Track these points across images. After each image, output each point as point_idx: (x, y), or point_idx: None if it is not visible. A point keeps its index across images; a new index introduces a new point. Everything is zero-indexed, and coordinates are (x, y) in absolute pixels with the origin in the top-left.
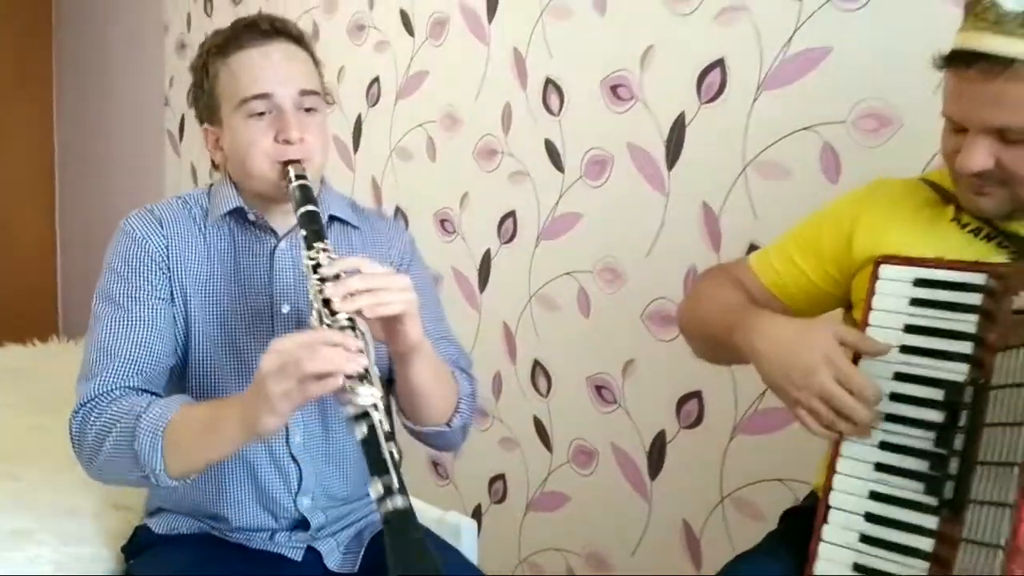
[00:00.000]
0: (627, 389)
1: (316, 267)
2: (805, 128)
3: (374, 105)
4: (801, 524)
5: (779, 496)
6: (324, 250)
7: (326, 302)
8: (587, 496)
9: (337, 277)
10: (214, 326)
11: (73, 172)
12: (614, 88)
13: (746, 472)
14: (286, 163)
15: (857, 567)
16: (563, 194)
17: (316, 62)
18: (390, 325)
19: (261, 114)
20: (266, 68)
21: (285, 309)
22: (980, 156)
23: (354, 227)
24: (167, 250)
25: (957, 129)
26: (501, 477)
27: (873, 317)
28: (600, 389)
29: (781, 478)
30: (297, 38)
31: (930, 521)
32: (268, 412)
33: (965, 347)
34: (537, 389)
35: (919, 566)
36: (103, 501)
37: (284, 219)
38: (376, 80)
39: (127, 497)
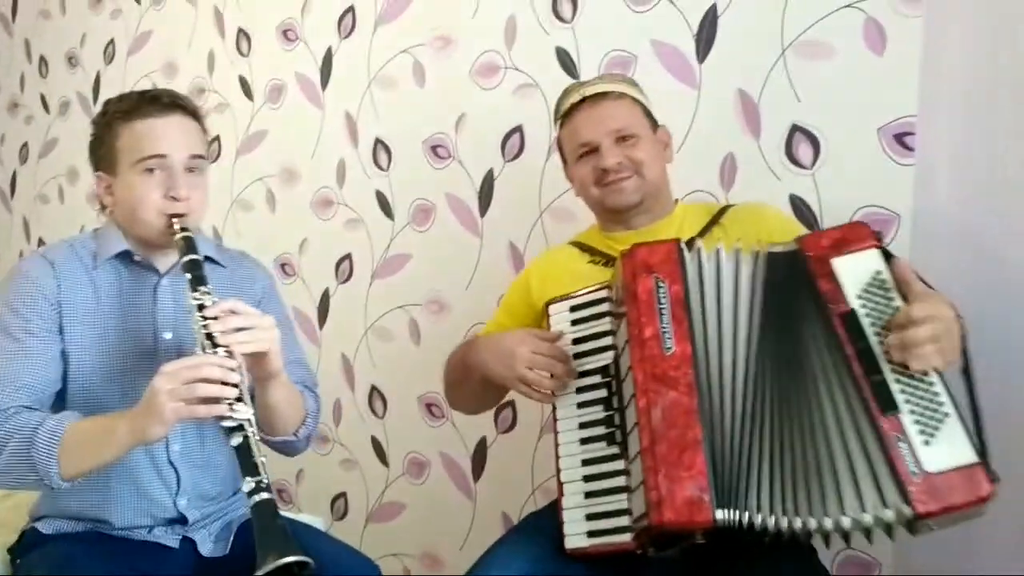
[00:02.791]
0: None
1: (201, 307)
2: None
3: (214, 161)
4: None
5: None
6: (207, 293)
7: (209, 336)
8: (420, 503)
9: (216, 317)
10: (102, 355)
11: None
12: (434, 148)
13: (551, 465)
14: (172, 216)
15: (588, 516)
16: (393, 238)
17: (205, 131)
18: (256, 357)
19: (153, 171)
20: (165, 135)
21: (168, 336)
22: (614, 153)
23: (223, 266)
24: (59, 289)
25: (590, 152)
26: (342, 495)
27: None
28: (430, 406)
29: None
30: (192, 112)
31: (619, 464)
32: (158, 423)
33: (607, 340)
34: (374, 412)
35: (623, 497)
36: None
37: (165, 259)
38: (216, 138)
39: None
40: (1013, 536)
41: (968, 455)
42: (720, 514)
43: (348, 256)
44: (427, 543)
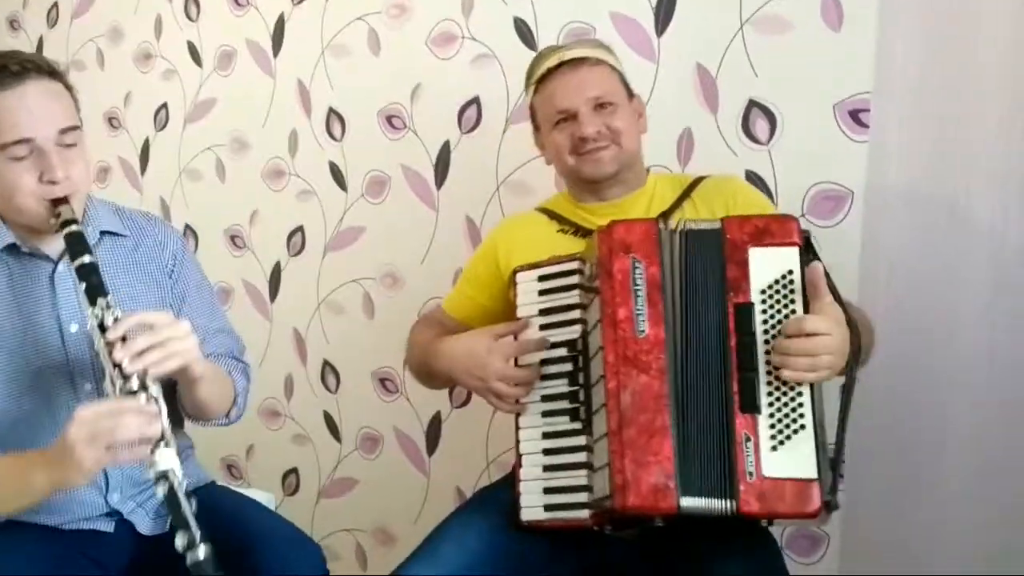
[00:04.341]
0: (408, 379)
1: (102, 327)
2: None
3: (162, 129)
4: None
5: None
6: (107, 307)
7: (116, 365)
8: (374, 478)
9: (124, 337)
10: (4, 360)
11: None
12: (389, 118)
13: (505, 439)
14: (54, 201)
15: (546, 490)
16: (347, 210)
17: (70, 89)
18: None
19: (23, 157)
20: (23, 112)
21: (73, 328)
22: (593, 122)
23: (124, 236)
24: None
25: (566, 119)
26: (294, 471)
27: (520, 311)
28: (384, 381)
29: None
30: (50, 72)
31: (580, 440)
32: (78, 473)
33: (575, 313)
34: (327, 387)
35: (582, 473)
36: None
37: (55, 244)
38: (164, 106)
39: None
40: (962, 518)
41: (808, 470)
42: (685, 501)
43: (300, 228)
44: (380, 518)
